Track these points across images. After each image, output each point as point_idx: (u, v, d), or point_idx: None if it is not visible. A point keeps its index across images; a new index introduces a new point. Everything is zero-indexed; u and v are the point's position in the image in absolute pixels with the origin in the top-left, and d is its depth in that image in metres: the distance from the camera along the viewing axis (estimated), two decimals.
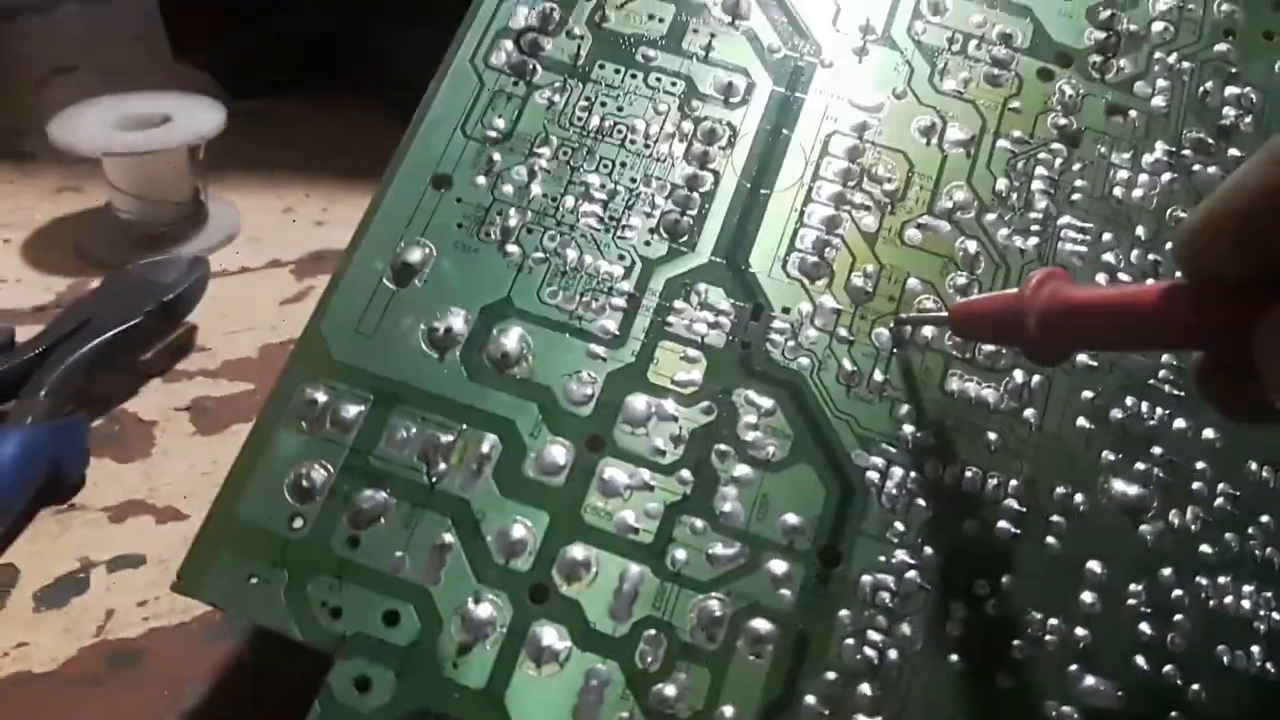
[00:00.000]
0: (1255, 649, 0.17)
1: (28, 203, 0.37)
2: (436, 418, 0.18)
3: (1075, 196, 0.20)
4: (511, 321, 0.19)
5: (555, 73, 0.21)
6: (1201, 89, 0.21)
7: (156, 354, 0.29)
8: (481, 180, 0.20)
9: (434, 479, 0.17)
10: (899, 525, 0.17)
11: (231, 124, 0.35)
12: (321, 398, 0.18)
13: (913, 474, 0.18)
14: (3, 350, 0.26)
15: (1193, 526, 0.18)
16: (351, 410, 0.18)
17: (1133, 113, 0.21)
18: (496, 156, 0.20)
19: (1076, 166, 0.20)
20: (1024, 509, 0.18)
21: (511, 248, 0.19)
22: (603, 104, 0.20)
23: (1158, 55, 0.21)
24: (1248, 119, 0.21)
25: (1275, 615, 0.17)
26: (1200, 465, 0.18)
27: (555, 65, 0.21)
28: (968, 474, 0.18)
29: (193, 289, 0.29)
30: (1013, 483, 0.18)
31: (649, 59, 0.21)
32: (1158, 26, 0.22)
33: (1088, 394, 0.19)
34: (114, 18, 0.53)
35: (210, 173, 0.36)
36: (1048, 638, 0.17)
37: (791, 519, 0.17)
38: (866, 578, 0.17)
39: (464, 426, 0.18)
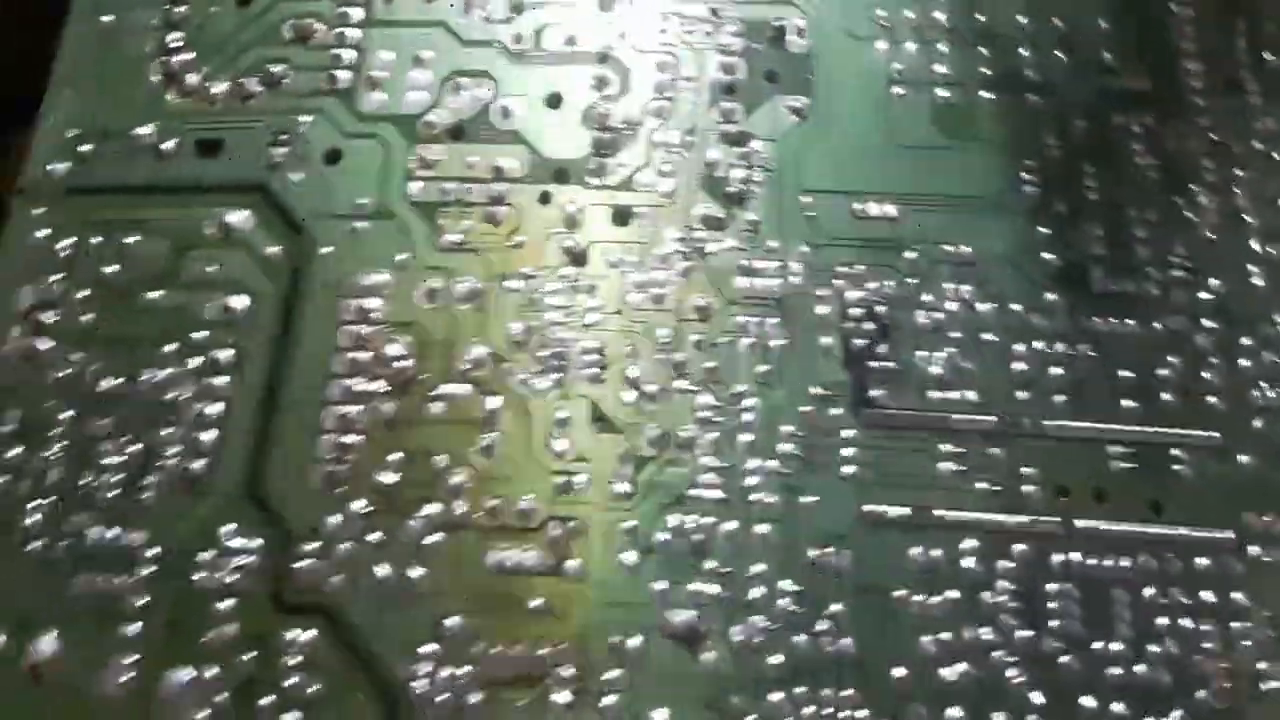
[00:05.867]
0: None
1: None
2: None
3: (591, 318, 0.19)
4: (46, 627, 0.18)
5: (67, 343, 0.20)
6: (705, 159, 0.21)
7: None
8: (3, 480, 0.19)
9: None
10: None
11: None
12: None
13: (448, 671, 0.17)
14: None
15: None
16: None
17: (639, 209, 0.20)
18: (12, 453, 0.19)
19: (588, 286, 0.20)
20: None
21: (34, 544, 0.18)
22: (112, 366, 0.20)
23: (657, 138, 0.21)
24: (757, 176, 0.21)
25: None
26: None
27: (65, 335, 0.20)
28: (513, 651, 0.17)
29: None
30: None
31: (152, 303, 0.20)
32: (653, 105, 0.21)
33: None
34: None
35: None
36: None
37: None
38: None
39: None
